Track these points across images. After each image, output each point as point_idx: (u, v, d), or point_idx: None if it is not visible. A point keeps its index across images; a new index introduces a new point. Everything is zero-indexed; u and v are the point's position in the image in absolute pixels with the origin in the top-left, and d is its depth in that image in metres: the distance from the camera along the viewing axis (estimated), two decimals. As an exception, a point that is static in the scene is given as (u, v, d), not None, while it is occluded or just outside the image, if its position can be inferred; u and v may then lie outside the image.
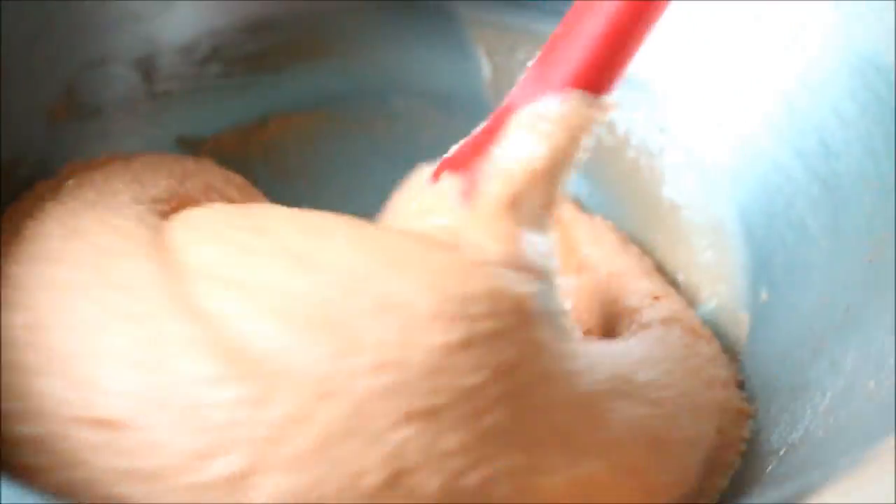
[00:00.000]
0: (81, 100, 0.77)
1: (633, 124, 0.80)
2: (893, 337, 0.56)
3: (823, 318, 0.64)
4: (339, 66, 0.84)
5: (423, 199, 0.64)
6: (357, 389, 0.51)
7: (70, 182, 0.69)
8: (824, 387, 0.60)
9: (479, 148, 0.63)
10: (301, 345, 0.52)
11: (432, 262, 0.57)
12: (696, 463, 0.60)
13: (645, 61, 0.79)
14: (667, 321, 0.68)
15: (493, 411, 0.52)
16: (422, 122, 0.83)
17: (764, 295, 0.70)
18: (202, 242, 0.60)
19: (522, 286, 0.57)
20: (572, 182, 0.78)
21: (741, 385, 0.68)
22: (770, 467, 0.58)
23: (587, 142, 0.61)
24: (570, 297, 0.74)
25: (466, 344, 0.53)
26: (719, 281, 0.74)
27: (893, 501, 0.46)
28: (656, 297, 0.71)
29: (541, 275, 0.59)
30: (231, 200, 0.71)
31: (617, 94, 0.80)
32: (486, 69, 0.84)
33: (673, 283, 0.74)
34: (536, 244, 0.60)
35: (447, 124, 0.83)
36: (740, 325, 0.71)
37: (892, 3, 0.66)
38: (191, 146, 0.80)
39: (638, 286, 0.72)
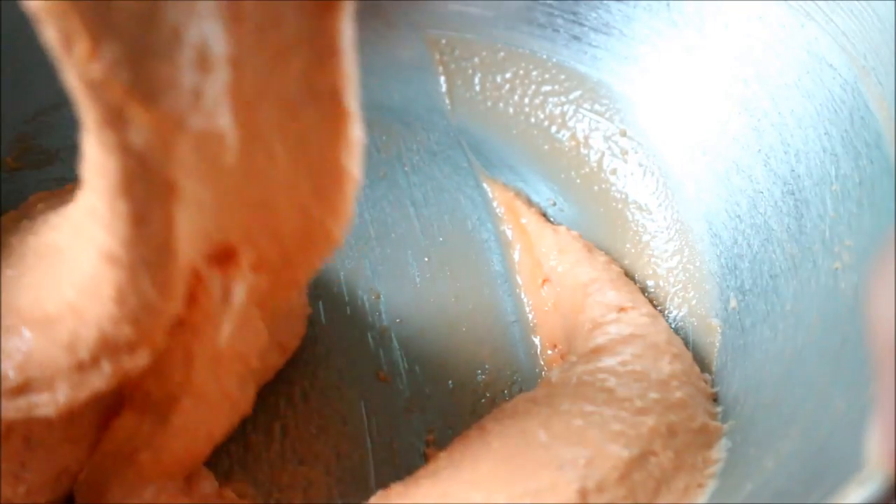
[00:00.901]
0: (34, 147, 0.76)
1: (595, 128, 0.80)
2: (862, 352, 0.56)
3: (793, 328, 0.65)
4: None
5: None
6: None
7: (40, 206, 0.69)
8: (796, 404, 0.60)
9: None
10: None
11: None
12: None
13: (606, 66, 0.79)
14: (628, 339, 0.68)
15: None
16: (380, 136, 0.83)
17: (733, 302, 0.71)
18: None
19: None
20: (536, 189, 0.79)
21: (715, 398, 0.68)
22: (748, 488, 0.59)
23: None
24: (535, 313, 0.75)
25: None
26: (688, 287, 0.74)
27: (893, 501, 0.47)
28: (622, 309, 0.71)
29: None
30: None
31: (579, 98, 0.81)
32: (441, 79, 0.84)
33: (643, 290, 0.74)
34: None
35: (406, 136, 0.83)
36: (712, 332, 0.71)
37: (841, 2, 0.66)
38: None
39: (603, 298, 0.72)
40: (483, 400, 0.71)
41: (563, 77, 0.81)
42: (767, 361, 0.66)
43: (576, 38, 0.80)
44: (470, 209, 0.79)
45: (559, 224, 0.78)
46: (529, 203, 0.79)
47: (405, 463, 0.67)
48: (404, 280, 0.76)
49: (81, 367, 0.55)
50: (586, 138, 0.80)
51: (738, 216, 0.71)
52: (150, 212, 0.51)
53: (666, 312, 0.73)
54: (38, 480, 0.60)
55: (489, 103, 0.83)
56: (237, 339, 0.59)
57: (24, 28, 0.73)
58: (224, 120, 0.51)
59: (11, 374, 0.55)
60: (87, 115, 0.50)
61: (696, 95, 0.74)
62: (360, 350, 0.72)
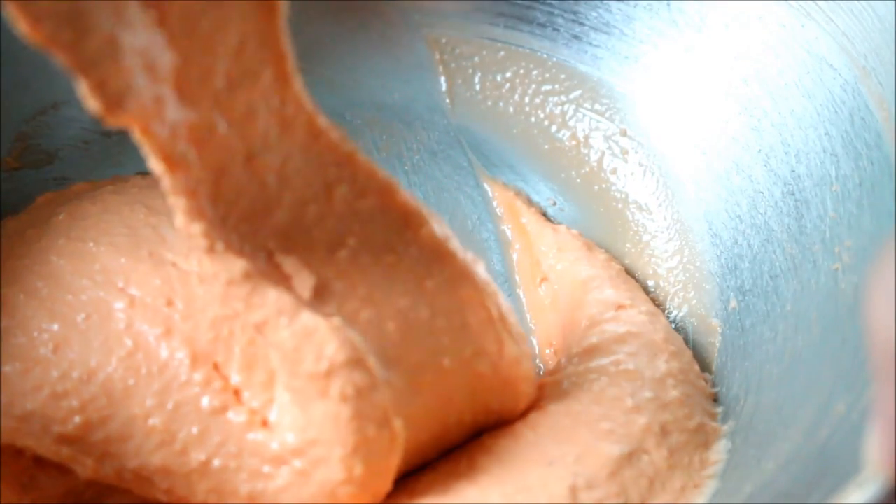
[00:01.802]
0: (34, 146, 0.76)
1: (595, 127, 0.80)
2: (861, 354, 0.56)
3: (793, 329, 0.65)
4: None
5: None
6: None
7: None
8: (796, 405, 0.60)
9: None
10: None
11: None
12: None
13: (607, 65, 0.79)
14: (623, 337, 0.68)
15: None
16: (380, 136, 0.83)
17: (733, 302, 0.71)
18: None
19: None
20: (536, 189, 0.79)
21: (715, 398, 0.68)
22: (748, 489, 0.59)
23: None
24: (532, 312, 0.75)
25: None
26: (688, 287, 0.74)
27: (893, 501, 0.47)
28: (621, 307, 0.71)
29: None
30: None
31: (579, 97, 0.81)
32: (442, 78, 0.84)
33: (643, 289, 0.74)
34: None
35: (406, 136, 0.83)
36: (712, 333, 0.71)
37: (841, 3, 0.66)
38: (149, 183, 0.79)
39: (602, 295, 0.72)
40: (482, 399, 0.71)
41: (563, 76, 0.81)
42: (767, 362, 0.66)
43: (576, 37, 0.80)
44: (470, 209, 0.79)
45: (559, 223, 0.78)
46: (529, 202, 0.79)
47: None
48: (404, 280, 0.76)
49: None
50: (586, 138, 0.80)
51: (739, 216, 0.71)
52: None
53: (666, 312, 0.73)
54: (43, 496, 0.61)
55: (489, 103, 0.83)
56: None
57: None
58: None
59: None
60: None
61: (696, 95, 0.74)
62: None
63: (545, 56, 0.81)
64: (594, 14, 0.79)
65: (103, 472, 0.60)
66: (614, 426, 0.62)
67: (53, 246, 0.66)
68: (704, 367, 0.70)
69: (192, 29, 0.53)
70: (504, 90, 0.82)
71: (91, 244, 0.66)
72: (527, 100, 0.82)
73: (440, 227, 0.62)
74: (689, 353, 0.69)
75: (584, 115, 0.80)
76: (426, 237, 0.61)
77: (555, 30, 0.81)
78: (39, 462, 0.61)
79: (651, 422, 0.63)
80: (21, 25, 0.47)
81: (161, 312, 0.62)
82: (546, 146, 0.81)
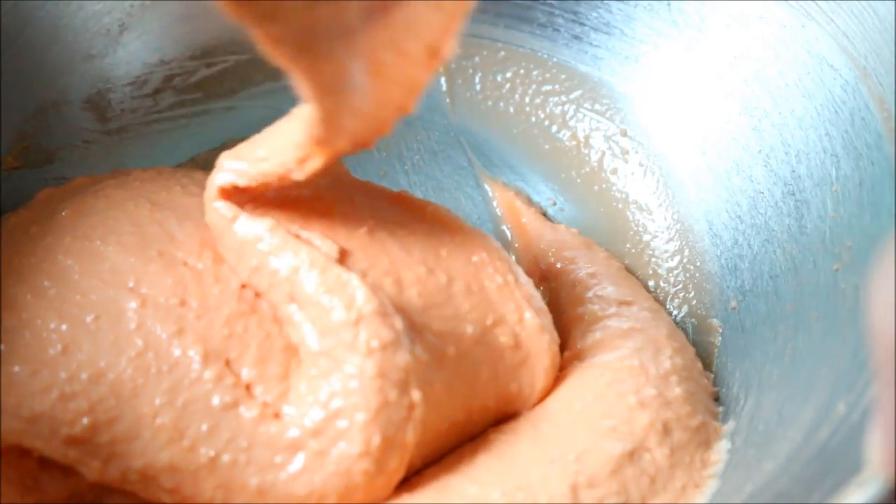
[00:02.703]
0: (34, 146, 0.76)
1: (595, 128, 0.80)
2: (861, 354, 0.56)
3: (793, 329, 0.65)
4: (293, 88, 0.83)
5: None
6: None
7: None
8: (796, 405, 0.60)
9: None
10: None
11: None
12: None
13: (607, 65, 0.79)
14: (627, 333, 0.68)
15: None
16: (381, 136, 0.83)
17: (733, 302, 0.71)
18: None
19: None
20: (537, 189, 0.79)
21: (716, 397, 0.68)
22: (748, 489, 0.59)
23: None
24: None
25: None
26: (688, 287, 0.74)
27: (893, 501, 0.47)
28: (623, 303, 0.71)
29: None
30: None
31: (579, 97, 0.81)
32: (442, 78, 0.84)
33: (644, 289, 0.74)
34: None
35: (406, 136, 0.83)
36: (712, 333, 0.71)
37: (842, 3, 0.66)
38: (149, 181, 0.79)
39: (603, 292, 0.72)
40: (482, 399, 0.70)
41: (563, 76, 0.81)
42: (767, 362, 0.66)
43: (576, 37, 0.80)
44: (470, 209, 0.79)
45: (559, 223, 0.78)
46: (530, 203, 0.79)
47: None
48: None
49: None
50: (587, 138, 0.80)
51: (739, 216, 0.71)
52: None
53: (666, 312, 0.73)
54: (45, 497, 0.61)
55: (490, 103, 0.82)
56: None
57: (24, 28, 0.74)
58: None
59: None
60: None
61: (696, 95, 0.74)
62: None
63: (545, 56, 0.81)
64: (594, 14, 0.79)
65: (109, 475, 0.60)
66: (617, 424, 0.62)
67: (60, 244, 0.66)
68: (705, 367, 0.70)
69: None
70: (504, 90, 0.82)
71: (98, 243, 0.66)
72: (527, 100, 0.82)
73: (446, 210, 0.68)
74: (691, 349, 0.69)
75: (585, 116, 0.80)
76: (432, 213, 0.67)
77: (555, 30, 0.81)
78: (43, 464, 0.61)
79: (654, 419, 0.63)
80: (263, 47, 0.48)
81: (174, 311, 0.63)
82: (546, 146, 0.81)
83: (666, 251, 0.75)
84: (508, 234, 0.78)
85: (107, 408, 0.60)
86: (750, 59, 0.71)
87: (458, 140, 0.82)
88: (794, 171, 0.68)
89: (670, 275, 0.75)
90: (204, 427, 0.60)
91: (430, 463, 0.63)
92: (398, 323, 0.60)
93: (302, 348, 0.61)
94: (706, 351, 0.71)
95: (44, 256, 0.66)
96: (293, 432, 0.60)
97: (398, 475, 0.60)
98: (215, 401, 0.60)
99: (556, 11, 0.80)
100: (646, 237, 0.77)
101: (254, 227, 0.62)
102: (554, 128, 0.81)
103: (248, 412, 0.60)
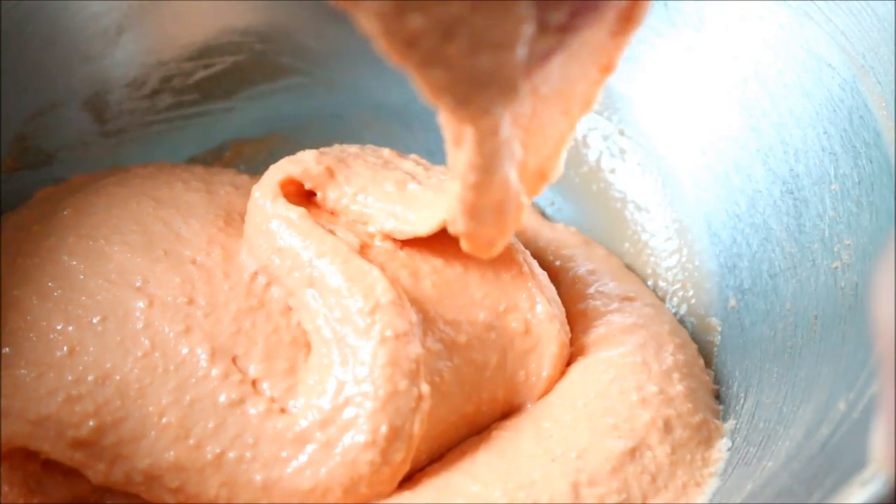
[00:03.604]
0: (33, 147, 0.76)
1: (593, 127, 0.80)
2: (862, 352, 0.57)
3: (792, 327, 0.65)
4: (292, 88, 0.83)
5: None
6: None
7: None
8: (796, 403, 0.61)
9: None
10: None
11: None
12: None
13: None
14: (631, 328, 0.68)
15: None
16: (379, 136, 0.83)
17: (733, 301, 0.71)
18: None
19: None
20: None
21: (717, 395, 0.68)
22: (749, 488, 0.59)
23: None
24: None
25: None
26: (687, 286, 0.74)
27: (893, 502, 0.47)
28: (625, 299, 0.71)
29: None
30: None
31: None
32: (440, 78, 0.83)
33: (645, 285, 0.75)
34: None
35: (405, 136, 0.83)
36: (712, 332, 0.71)
37: (840, 2, 0.66)
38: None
39: (605, 288, 0.72)
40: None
41: (561, 76, 0.81)
42: (767, 360, 0.66)
43: (574, 37, 0.80)
44: (469, 209, 0.79)
45: (557, 222, 0.78)
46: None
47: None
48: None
49: None
50: (585, 137, 0.80)
51: (737, 215, 0.71)
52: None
53: (664, 311, 0.73)
54: (48, 499, 0.61)
55: (488, 103, 0.82)
56: None
57: (24, 28, 0.74)
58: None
59: None
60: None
61: (694, 95, 0.74)
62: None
63: (544, 56, 0.81)
64: (592, 14, 0.79)
65: (113, 477, 0.60)
66: (618, 421, 0.62)
67: (63, 244, 0.66)
68: (705, 365, 0.70)
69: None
70: (502, 90, 0.82)
71: (102, 242, 0.66)
72: (525, 100, 0.82)
73: None
74: (694, 346, 0.70)
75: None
76: None
77: (553, 30, 0.81)
78: (47, 467, 0.61)
79: (655, 416, 0.63)
80: (425, 95, 0.49)
81: (182, 310, 0.63)
82: (544, 146, 0.81)
83: (665, 250, 0.76)
84: (507, 234, 0.78)
85: (113, 409, 0.60)
86: (748, 58, 0.71)
87: (456, 140, 0.82)
88: (792, 170, 0.68)
89: (669, 274, 0.75)
90: (210, 425, 0.60)
91: (435, 459, 0.63)
92: (413, 316, 0.62)
93: (315, 336, 0.62)
94: (706, 350, 0.71)
95: (47, 257, 0.66)
96: (300, 425, 0.60)
97: (403, 468, 0.60)
98: (222, 398, 0.61)
99: (554, 11, 0.80)
100: (644, 236, 0.77)
101: (287, 211, 0.64)
102: (552, 127, 0.81)
103: (254, 408, 0.61)
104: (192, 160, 0.80)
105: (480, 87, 0.50)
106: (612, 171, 0.79)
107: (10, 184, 0.75)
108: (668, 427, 0.63)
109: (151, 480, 0.60)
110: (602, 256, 0.75)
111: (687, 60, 0.75)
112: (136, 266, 0.65)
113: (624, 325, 0.69)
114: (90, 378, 0.61)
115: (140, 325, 0.63)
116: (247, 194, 0.69)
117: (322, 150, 0.70)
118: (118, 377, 0.61)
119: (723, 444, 0.64)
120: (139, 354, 0.62)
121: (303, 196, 0.68)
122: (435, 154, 0.80)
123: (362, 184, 0.67)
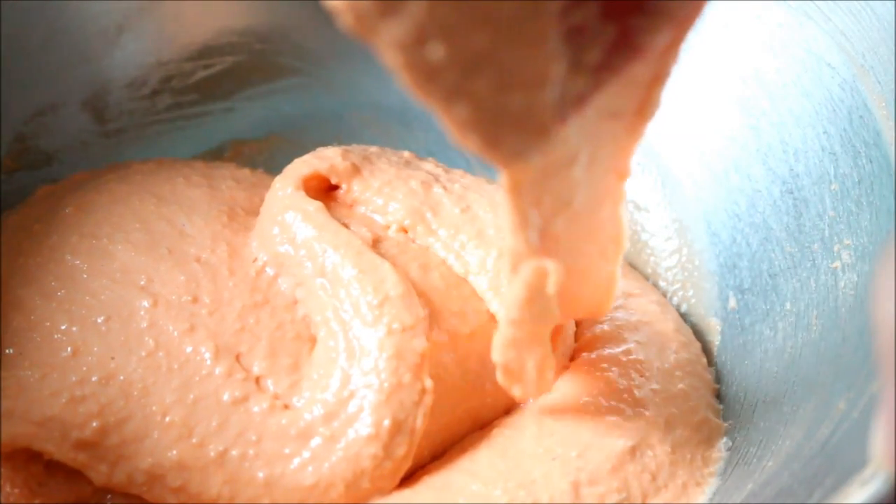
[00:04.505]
0: (33, 147, 0.76)
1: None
2: (862, 351, 0.57)
3: (792, 327, 0.65)
4: (292, 88, 0.83)
5: None
6: None
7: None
8: (796, 403, 0.61)
9: None
10: None
11: None
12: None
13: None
14: (635, 325, 0.68)
15: None
16: (379, 136, 0.83)
17: (732, 301, 0.71)
18: None
19: None
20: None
21: (717, 394, 0.68)
22: (749, 487, 0.59)
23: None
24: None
25: None
26: (687, 286, 0.74)
27: (893, 501, 0.47)
28: (630, 295, 0.71)
29: None
30: None
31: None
32: (440, 78, 0.83)
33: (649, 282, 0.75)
34: None
35: (405, 136, 0.83)
36: (712, 332, 0.71)
37: (840, 2, 0.66)
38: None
39: None
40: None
41: (561, 76, 0.81)
42: (767, 360, 0.66)
43: (574, 37, 0.80)
44: (468, 209, 0.79)
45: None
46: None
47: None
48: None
49: None
50: (585, 137, 0.80)
51: (737, 215, 0.71)
52: None
53: (664, 311, 0.73)
54: (49, 500, 0.61)
55: (487, 103, 0.82)
56: None
57: (24, 29, 0.74)
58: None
59: None
60: None
61: (694, 94, 0.74)
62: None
63: (543, 56, 0.81)
64: (592, 14, 0.79)
65: (116, 478, 0.60)
66: (620, 419, 0.62)
67: (66, 243, 0.66)
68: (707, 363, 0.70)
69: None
70: (502, 90, 0.82)
71: (105, 241, 0.66)
72: (525, 100, 0.82)
73: None
74: (697, 344, 0.70)
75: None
76: None
77: (552, 30, 0.81)
78: (50, 468, 0.61)
79: (657, 415, 0.63)
80: (451, 133, 0.47)
81: (186, 309, 0.63)
82: (544, 146, 0.81)
83: (664, 250, 0.76)
84: (507, 233, 0.78)
85: (116, 409, 0.61)
86: (748, 58, 0.71)
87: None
88: (792, 170, 0.68)
89: (669, 273, 0.75)
90: (213, 423, 0.60)
91: (437, 455, 0.63)
92: (421, 311, 0.62)
93: (322, 328, 0.63)
94: (706, 349, 0.71)
95: (50, 256, 0.66)
96: (304, 420, 0.60)
97: (406, 463, 0.60)
98: (225, 396, 0.61)
99: (554, 11, 0.80)
100: (644, 236, 0.77)
101: (304, 204, 0.65)
102: (552, 127, 0.81)
103: (257, 405, 0.61)
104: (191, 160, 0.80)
105: (509, 127, 0.48)
106: (612, 170, 0.79)
107: (10, 184, 0.75)
108: (668, 426, 0.63)
109: (154, 480, 0.60)
110: None
111: (686, 60, 0.75)
112: (140, 265, 0.65)
113: (628, 321, 0.69)
114: (94, 378, 0.61)
115: (144, 325, 0.63)
116: (248, 188, 0.69)
117: (345, 147, 0.71)
118: (122, 377, 0.61)
119: (723, 444, 0.64)
120: (143, 354, 0.62)
121: (321, 192, 0.69)
122: (435, 154, 0.80)
123: (387, 178, 0.69)
